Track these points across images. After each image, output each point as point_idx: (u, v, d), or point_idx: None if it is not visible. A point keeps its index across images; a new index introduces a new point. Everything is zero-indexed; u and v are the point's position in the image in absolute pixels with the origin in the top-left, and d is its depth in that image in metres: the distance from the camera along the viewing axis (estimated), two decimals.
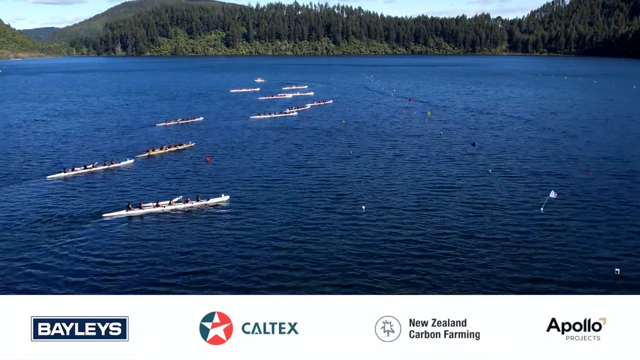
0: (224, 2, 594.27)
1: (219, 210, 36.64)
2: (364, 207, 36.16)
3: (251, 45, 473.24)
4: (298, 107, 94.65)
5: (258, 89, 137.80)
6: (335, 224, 33.02)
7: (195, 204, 37.48)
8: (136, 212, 35.76)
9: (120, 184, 44.45)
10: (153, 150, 56.91)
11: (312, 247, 29.34)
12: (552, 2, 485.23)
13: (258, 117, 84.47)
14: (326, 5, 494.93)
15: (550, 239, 30.46)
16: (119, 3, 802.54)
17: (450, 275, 25.65)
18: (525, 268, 26.44)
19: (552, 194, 35.54)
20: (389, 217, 34.45)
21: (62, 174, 46.87)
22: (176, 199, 37.81)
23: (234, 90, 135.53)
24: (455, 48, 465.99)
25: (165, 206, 36.67)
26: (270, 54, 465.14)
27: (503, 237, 30.74)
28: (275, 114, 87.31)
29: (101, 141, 64.99)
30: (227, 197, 38.74)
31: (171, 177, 46.74)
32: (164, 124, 78.43)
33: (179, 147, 59.30)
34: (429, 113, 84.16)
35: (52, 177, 46.36)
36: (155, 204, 36.87)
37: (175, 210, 36.58)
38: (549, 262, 27.08)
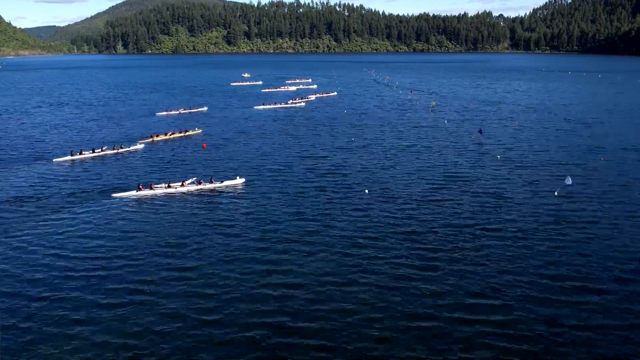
0: (225, 0, 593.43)
1: (233, 193, 35.47)
2: (367, 191, 35.20)
3: (252, 43, 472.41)
4: (303, 98, 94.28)
5: (260, 82, 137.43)
6: (341, 209, 31.76)
7: (209, 185, 36.48)
8: (147, 192, 35.00)
9: (129, 167, 43.86)
10: (157, 136, 56.45)
11: (320, 231, 28.43)
12: None
13: (262, 107, 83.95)
14: (327, 3, 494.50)
15: (567, 224, 28.94)
16: (120, 1, 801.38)
17: (460, 267, 24.03)
18: (542, 257, 24.78)
19: (567, 180, 33.93)
20: (396, 202, 33.31)
21: (69, 157, 46.40)
22: (189, 181, 36.86)
23: (234, 84, 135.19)
24: (457, 46, 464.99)
25: (177, 187, 35.79)
26: (271, 51, 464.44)
27: (517, 225, 28.86)
28: (281, 104, 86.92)
29: (104, 128, 64.62)
30: (242, 180, 37.62)
31: (180, 160, 46.23)
32: (165, 113, 78.04)
33: (186, 134, 58.87)
34: (433, 103, 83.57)
35: (59, 160, 45.90)
36: (166, 185, 36.04)
37: (188, 192, 35.65)
38: (569, 249, 25.55)
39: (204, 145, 52.10)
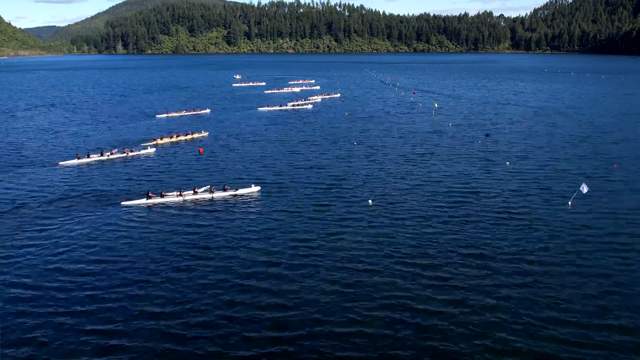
0: (225, 0, 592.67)
1: (248, 203, 33.76)
2: (370, 201, 33.67)
3: (252, 43, 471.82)
4: (307, 100, 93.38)
5: (264, 83, 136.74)
6: (350, 222, 30.01)
7: (222, 194, 35.17)
8: (157, 200, 33.85)
9: (138, 172, 42.84)
10: (162, 139, 55.54)
11: (330, 245, 27.05)
12: None
13: (267, 109, 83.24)
14: (328, 3, 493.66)
15: (584, 238, 27.16)
16: (120, 1, 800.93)
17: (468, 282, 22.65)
18: (559, 276, 23.07)
19: (583, 188, 32.36)
20: (402, 214, 31.51)
21: (75, 161, 45.69)
22: (202, 189, 35.41)
23: (236, 84, 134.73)
24: (458, 46, 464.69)
25: (189, 195, 34.53)
26: (271, 51, 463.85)
27: (530, 236, 27.52)
28: (286, 106, 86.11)
29: (105, 131, 63.68)
30: (258, 189, 36.12)
31: (189, 166, 45.13)
32: (166, 115, 76.96)
33: (192, 136, 58.06)
34: (435, 105, 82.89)
35: (65, 163, 45.17)
36: (178, 193, 34.71)
37: (200, 200, 34.28)
38: (589, 268, 23.76)
39: (200, 150, 50.68)
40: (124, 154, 48.57)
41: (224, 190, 35.61)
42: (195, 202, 34.20)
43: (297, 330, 19.17)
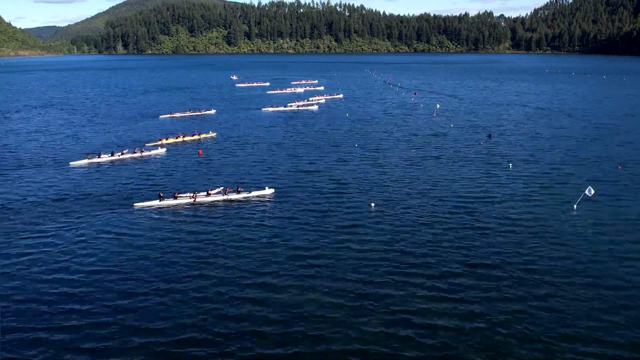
0: (226, 0, 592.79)
1: (262, 206, 33.34)
2: (372, 204, 33.43)
3: (253, 43, 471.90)
4: (311, 100, 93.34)
5: (267, 83, 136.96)
6: (355, 227, 29.52)
7: (235, 196, 34.89)
8: (169, 202, 33.71)
9: (148, 172, 42.95)
10: (167, 139, 55.69)
11: (339, 252, 26.67)
12: None
13: (271, 109, 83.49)
14: (328, 3, 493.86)
15: (591, 246, 26.56)
16: (120, 1, 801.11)
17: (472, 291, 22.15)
18: (565, 291, 22.22)
19: (588, 191, 32.05)
20: (405, 215, 31.38)
21: (86, 161, 46.04)
22: (215, 191, 35.09)
23: (239, 85, 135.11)
24: (458, 46, 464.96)
25: (201, 197, 34.36)
26: (272, 52, 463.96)
27: (533, 241, 27.02)
28: (291, 106, 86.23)
29: (109, 132, 63.77)
30: (272, 191, 35.84)
31: (198, 166, 45.17)
32: (169, 115, 76.94)
33: (198, 137, 58.24)
34: (437, 105, 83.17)
35: (76, 164, 45.48)
36: (192, 194, 34.57)
37: (212, 202, 34.07)
38: (599, 282, 22.81)
39: (200, 152, 50.47)
40: (135, 154, 48.78)
41: (238, 192, 35.36)
42: (208, 204, 34.03)
43: (300, 337, 19.08)
